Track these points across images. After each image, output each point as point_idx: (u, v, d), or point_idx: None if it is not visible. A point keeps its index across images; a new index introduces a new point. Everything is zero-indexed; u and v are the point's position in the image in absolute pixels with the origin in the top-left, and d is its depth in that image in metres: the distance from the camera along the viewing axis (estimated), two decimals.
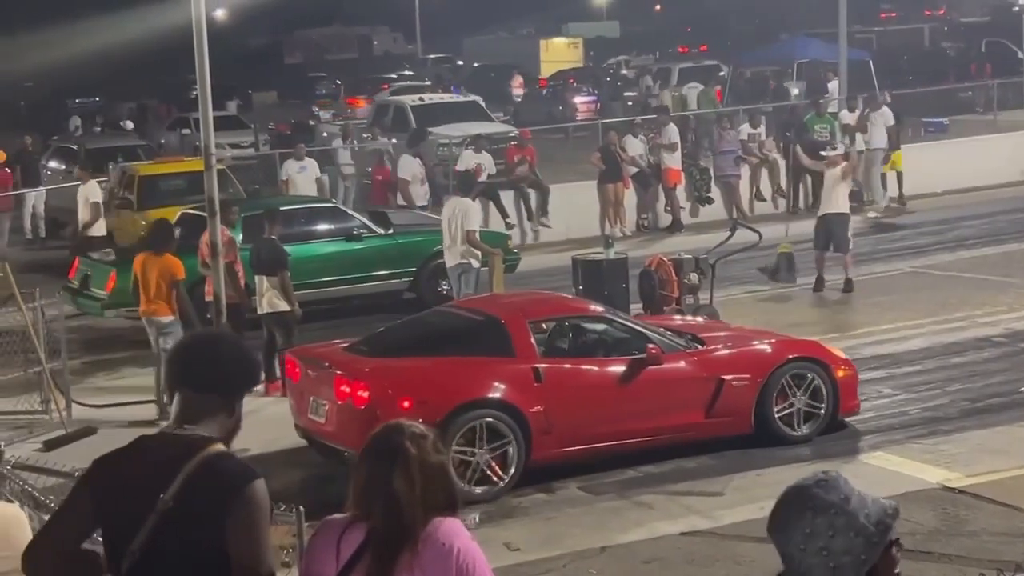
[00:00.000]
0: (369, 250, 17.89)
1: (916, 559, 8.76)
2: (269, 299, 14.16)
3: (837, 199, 17.52)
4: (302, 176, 22.66)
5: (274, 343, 14.28)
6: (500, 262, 16.56)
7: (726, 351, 11.79)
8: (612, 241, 17.07)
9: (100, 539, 4.05)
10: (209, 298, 13.70)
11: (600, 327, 11.77)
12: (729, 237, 16.70)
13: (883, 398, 12.92)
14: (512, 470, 10.66)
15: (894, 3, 71.68)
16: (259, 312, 14.22)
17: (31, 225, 26.20)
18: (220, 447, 4.01)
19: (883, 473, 10.78)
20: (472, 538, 3.89)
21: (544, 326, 11.56)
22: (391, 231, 18.23)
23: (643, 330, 11.70)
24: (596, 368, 11.35)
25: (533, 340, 11.14)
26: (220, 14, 60.00)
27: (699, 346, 11.79)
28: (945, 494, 10.24)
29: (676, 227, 23.55)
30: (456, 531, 3.85)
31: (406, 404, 10.46)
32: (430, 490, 3.83)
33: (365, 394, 10.55)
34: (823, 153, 18.67)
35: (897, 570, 3.27)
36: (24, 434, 12.87)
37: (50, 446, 12.41)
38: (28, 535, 4.67)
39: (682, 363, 11.47)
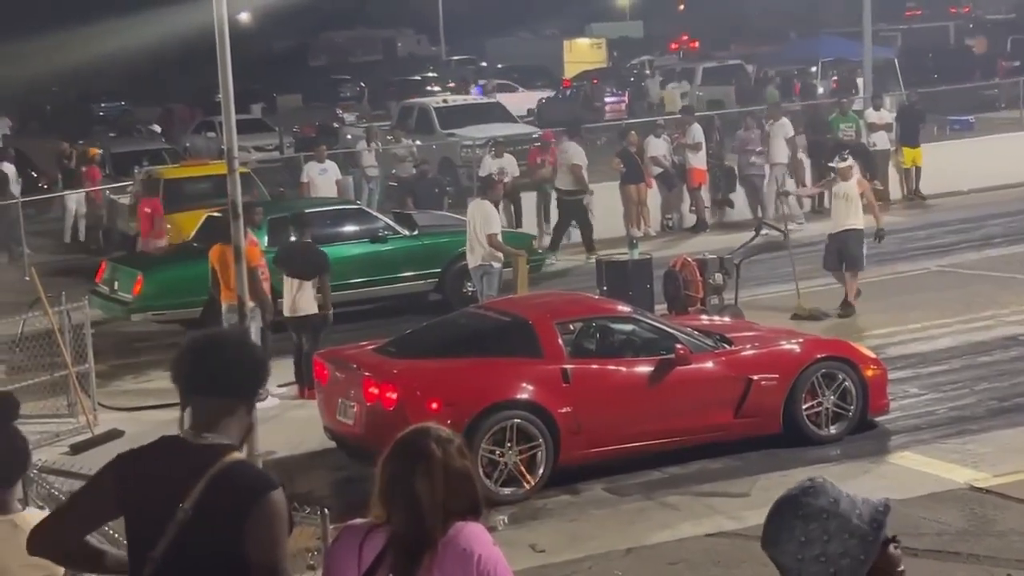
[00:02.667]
0: (394, 252, 17.91)
1: (944, 559, 8.73)
2: (297, 303, 14.18)
3: (849, 214, 16.16)
4: (323, 178, 22.69)
5: (303, 348, 14.31)
6: (524, 263, 16.56)
7: (754, 351, 11.76)
8: (636, 242, 17.04)
9: (103, 538, 4.08)
10: (229, 301, 13.73)
11: (628, 327, 11.76)
12: (754, 237, 16.66)
13: (910, 398, 12.85)
14: (541, 471, 10.66)
15: (919, 1, 71.40)
16: (285, 316, 14.24)
17: (71, 228, 26.32)
18: (238, 455, 4.02)
19: (910, 473, 10.73)
20: (494, 543, 3.88)
21: (571, 327, 11.54)
22: (416, 232, 18.25)
23: (671, 330, 11.68)
24: (624, 368, 11.33)
25: (561, 341, 11.13)
26: (244, 17, 60.23)
27: (727, 346, 11.76)
28: (973, 494, 10.17)
29: (700, 227, 23.50)
30: (478, 536, 3.84)
31: (434, 406, 10.49)
32: (453, 494, 3.82)
33: (394, 396, 10.57)
34: (831, 165, 17.08)
35: (900, 567, 3.21)
36: (50, 438, 12.92)
37: (76, 450, 12.46)
38: None
39: (710, 363, 11.44)
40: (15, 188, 25.93)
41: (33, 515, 4.64)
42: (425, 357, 11.21)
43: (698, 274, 15.37)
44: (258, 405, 12.05)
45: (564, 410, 10.77)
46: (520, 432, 10.60)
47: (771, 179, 23.43)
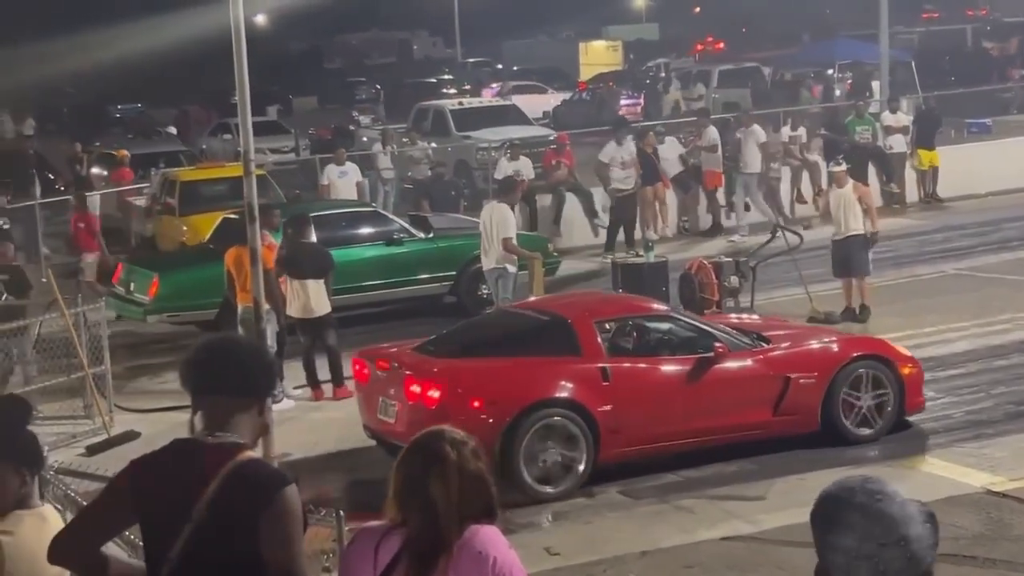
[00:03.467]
0: (410, 254, 17.92)
1: (960, 564, 8.70)
2: (305, 304, 14.20)
3: (849, 220, 15.92)
4: (343, 180, 22.72)
5: (313, 348, 14.34)
6: (540, 266, 16.54)
7: (792, 349, 11.82)
8: (652, 244, 17.02)
9: (120, 543, 4.10)
10: (245, 304, 13.75)
11: (665, 326, 11.82)
12: (770, 240, 16.62)
13: (927, 401, 12.80)
14: (581, 469, 10.71)
15: (936, 3, 71.26)
16: (296, 318, 14.25)
17: None
18: (251, 453, 4.04)
19: (926, 477, 10.70)
20: (509, 546, 3.88)
21: (609, 325, 11.56)
22: (431, 235, 18.26)
23: (709, 329, 11.72)
24: (663, 367, 11.38)
25: (600, 339, 11.17)
26: (260, 19, 60.34)
27: (764, 344, 11.80)
28: (989, 498, 10.14)
29: (716, 230, 23.47)
30: (493, 539, 3.84)
31: (476, 404, 10.60)
32: (468, 497, 3.82)
33: (436, 394, 10.64)
34: (830, 170, 16.86)
35: None
36: (67, 439, 12.96)
37: (93, 451, 12.50)
38: None
39: (749, 361, 11.50)
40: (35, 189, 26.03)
41: (52, 510, 4.71)
42: (465, 356, 11.29)
43: (714, 277, 15.35)
44: (273, 407, 12.10)
45: (604, 408, 10.83)
46: (561, 430, 10.66)
47: (741, 187, 23.23)
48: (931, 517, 3.22)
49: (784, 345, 11.85)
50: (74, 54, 56.00)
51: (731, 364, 11.33)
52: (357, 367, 11.88)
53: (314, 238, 14.72)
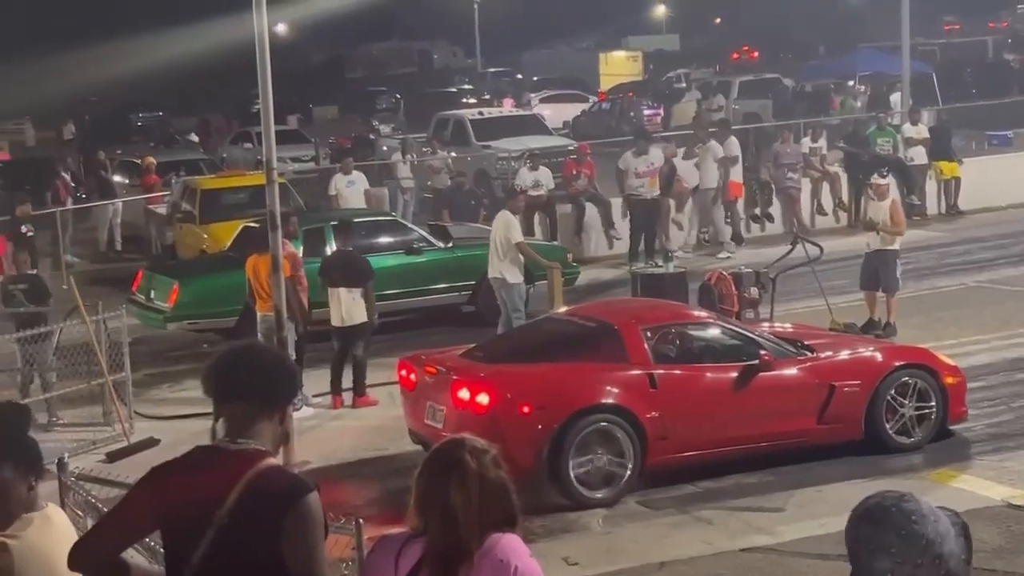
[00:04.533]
0: (429, 263, 17.95)
1: None
2: (339, 312, 14.25)
3: (886, 233, 15.94)
4: (351, 190, 22.79)
5: (344, 356, 14.36)
6: (559, 275, 16.53)
7: (836, 357, 11.86)
8: (671, 255, 17.00)
9: (140, 549, 4.11)
10: (264, 312, 13.79)
11: (711, 333, 11.89)
12: (790, 251, 16.59)
13: None
14: (628, 475, 10.75)
15: (957, 15, 71.12)
16: (335, 325, 14.31)
17: (107, 237, 26.50)
18: (273, 460, 4.05)
19: (946, 490, 10.65)
20: (531, 555, 3.88)
21: (656, 332, 11.57)
22: (451, 244, 18.28)
23: (755, 336, 11.76)
24: (710, 374, 11.43)
25: (647, 346, 11.21)
26: (282, 29, 60.54)
27: (808, 352, 11.82)
28: (1010, 511, 10.11)
29: (736, 241, 23.43)
30: (515, 548, 3.84)
31: (526, 409, 10.67)
32: (487, 505, 3.82)
33: (485, 399, 10.68)
34: (870, 182, 16.88)
35: None
36: (87, 445, 13.00)
37: (113, 457, 12.55)
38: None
39: (794, 369, 11.55)
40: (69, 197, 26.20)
41: (57, 509, 4.76)
42: (513, 362, 11.34)
43: (733, 288, 15.33)
44: (294, 415, 12.11)
45: (651, 415, 10.87)
46: (609, 436, 10.71)
47: (696, 203, 23.08)
48: (964, 529, 3.23)
49: (828, 353, 11.90)
50: (100, 65, 56.33)
51: (777, 372, 11.37)
52: (403, 372, 11.88)
53: (347, 246, 14.86)
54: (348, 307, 14.25)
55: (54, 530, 4.50)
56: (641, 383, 10.98)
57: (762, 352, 11.36)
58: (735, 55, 71.19)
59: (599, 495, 10.67)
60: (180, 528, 4.01)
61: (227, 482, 3.96)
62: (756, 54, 72.45)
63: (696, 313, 12.64)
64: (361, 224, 18.35)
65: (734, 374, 11.31)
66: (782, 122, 29.21)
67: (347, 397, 14.32)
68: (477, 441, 3.94)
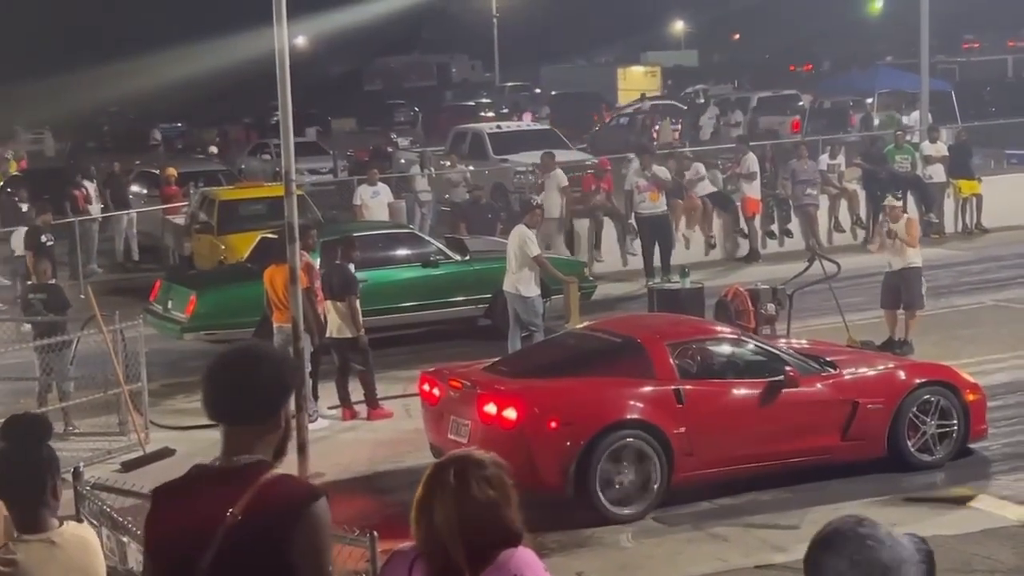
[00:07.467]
0: (445, 276, 17.95)
1: None
2: (339, 325, 14.27)
3: (907, 251, 15.98)
4: (375, 201, 22.84)
5: (343, 368, 14.38)
6: (576, 290, 16.52)
7: (860, 374, 11.85)
8: (687, 270, 16.99)
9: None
10: (280, 323, 13.81)
11: (735, 350, 11.87)
12: (807, 267, 16.55)
13: None
14: (655, 490, 10.74)
15: (977, 33, 71.01)
16: (329, 337, 14.32)
17: (123, 247, 26.57)
18: (277, 471, 4.00)
19: (962, 509, 10.61)
20: (545, 569, 3.86)
21: (681, 348, 11.56)
22: (468, 257, 18.29)
23: (779, 353, 11.75)
24: (736, 390, 11.41)
25: (672, 362, 11.19)
26: (301, 41, 60.69)
27: (832, 369, 11.80)
28: None
29: (753, 257, 23.41)
30: (529, 562, 3.82)
31: (553, 424, 10.65)
32: (470, 524, 3.76)
33: (513, 414, 10.64)
34: (885, 204, 16.98)
35: None
36: (102, 455, 13.03)
37: (128, 467, 12.57)
38: (101, 560, 4.71)
39: (819, 386, 11.54)
40: (95, 207, 26.23)
41: (71, 528, 4.63)
42: (539, 377, 11.31)
43: (750, 304, 15.30)
44: (309, 426, 12.09)
45: (678, 431, 10.85)
46: (636, 452, 10.69)
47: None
48: (928, 556, 3.14)
49: (852, 370, 11.89)
50: (121, 78, 56.65)
51: (802, 388, 11.35)
52: (426, 386, 11.84)
53: (343, 259, 14.81)
54: (340, 319, 14.26)
55: (56, 557, 4.39)
56: (668, 399, 10.95)
57: (787, 368, 11.35)
58: (792, 67, 71.23)
59: (626, 511, 10.65)
60: (185, 543, 3.96)
61: (232, 494, 3.91)
62: (810, 66, 72.47)
63: (720, 328, 12.63)
64: (379, 237, 18.40)
65: (760, 390, 11.30)
66: (801, 139, 29.18)
67: (359, 409, 14.32)
68: (476, 457, 3.88)
